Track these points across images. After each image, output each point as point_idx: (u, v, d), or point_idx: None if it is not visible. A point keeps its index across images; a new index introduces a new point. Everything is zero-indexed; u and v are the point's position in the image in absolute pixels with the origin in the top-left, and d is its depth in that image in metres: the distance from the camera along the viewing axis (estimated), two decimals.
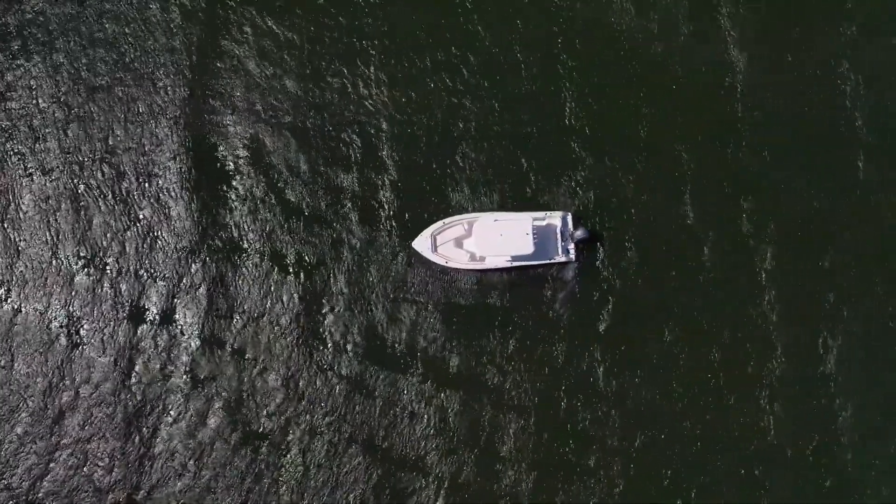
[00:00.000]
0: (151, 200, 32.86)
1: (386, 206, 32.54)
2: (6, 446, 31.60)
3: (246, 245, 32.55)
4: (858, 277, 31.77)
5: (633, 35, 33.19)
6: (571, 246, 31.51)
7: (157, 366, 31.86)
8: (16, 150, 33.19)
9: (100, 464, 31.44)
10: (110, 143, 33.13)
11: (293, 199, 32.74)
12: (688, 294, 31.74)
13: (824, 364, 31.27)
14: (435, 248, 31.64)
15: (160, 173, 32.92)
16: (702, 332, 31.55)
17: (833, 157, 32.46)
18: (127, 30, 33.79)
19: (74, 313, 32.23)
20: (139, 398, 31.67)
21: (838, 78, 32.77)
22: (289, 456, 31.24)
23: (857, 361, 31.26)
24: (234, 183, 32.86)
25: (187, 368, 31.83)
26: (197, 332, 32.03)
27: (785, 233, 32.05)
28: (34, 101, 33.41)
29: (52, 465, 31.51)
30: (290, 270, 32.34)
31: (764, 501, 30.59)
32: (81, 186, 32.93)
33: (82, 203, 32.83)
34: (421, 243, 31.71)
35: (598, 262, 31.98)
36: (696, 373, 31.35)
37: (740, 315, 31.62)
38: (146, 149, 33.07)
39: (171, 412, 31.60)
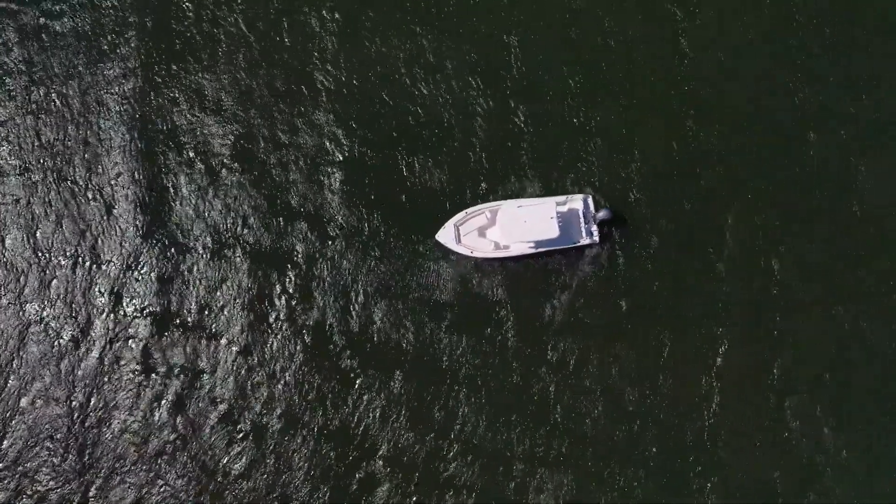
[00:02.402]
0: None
1: (404, 201, 32.41)
2: None
3: (257, 245, 32.32)
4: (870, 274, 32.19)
5: (651, 34, 33.66)
6: (595, 228, 31.57)
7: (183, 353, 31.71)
8: None
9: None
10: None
11: (303, 199, 32.58)
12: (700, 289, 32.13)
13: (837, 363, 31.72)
14: (459, 239, 31.47)
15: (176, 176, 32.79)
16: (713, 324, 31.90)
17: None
18: None
19: None
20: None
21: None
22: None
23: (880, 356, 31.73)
24: (253, 181, 32.70)
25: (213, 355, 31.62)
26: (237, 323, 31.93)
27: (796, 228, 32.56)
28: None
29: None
30: (310, 269, 32.15)
31: (776, 501, 30.89)
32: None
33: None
34: (444, 235, 31.55)
35: (620, 245, 32.15)
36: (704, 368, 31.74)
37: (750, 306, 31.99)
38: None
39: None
